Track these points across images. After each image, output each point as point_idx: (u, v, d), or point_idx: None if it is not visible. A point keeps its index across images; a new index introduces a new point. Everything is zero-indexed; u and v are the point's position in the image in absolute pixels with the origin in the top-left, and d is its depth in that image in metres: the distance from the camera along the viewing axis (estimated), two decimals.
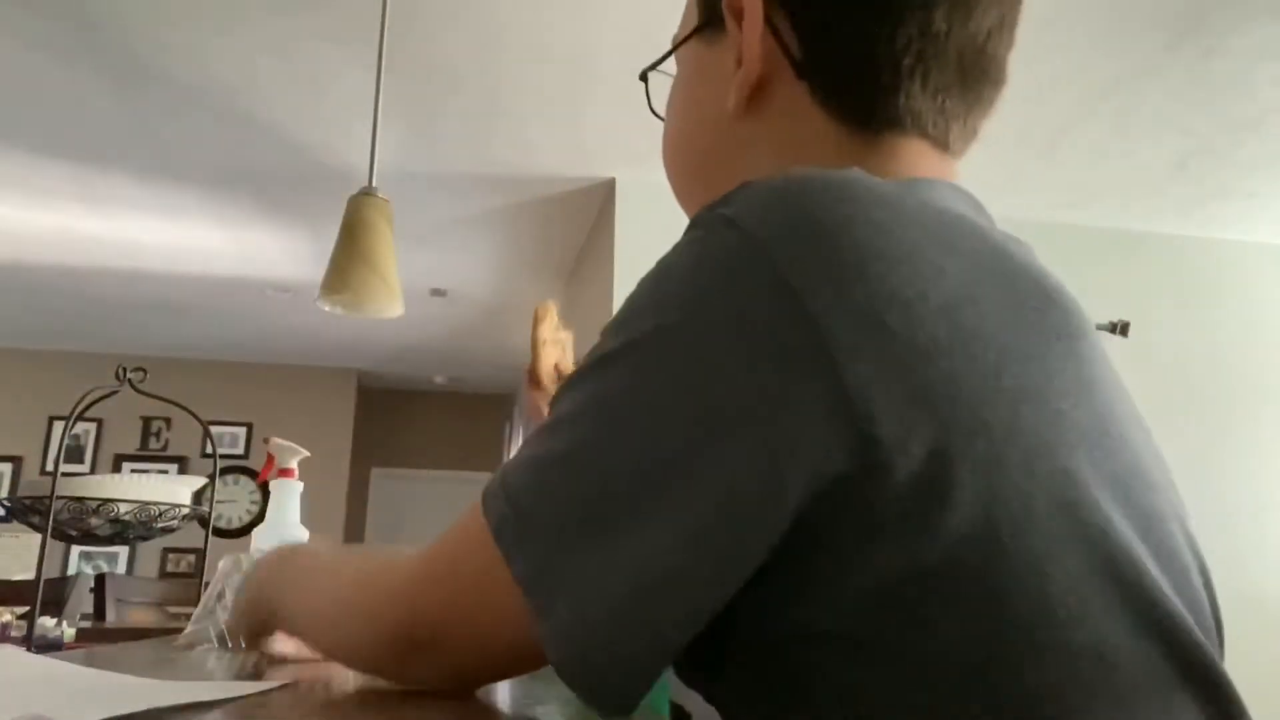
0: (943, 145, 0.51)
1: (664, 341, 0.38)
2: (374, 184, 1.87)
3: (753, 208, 0.39)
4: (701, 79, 0.55)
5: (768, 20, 0.50)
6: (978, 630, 0.35)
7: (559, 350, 0.88)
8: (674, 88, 0.59)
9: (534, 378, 0.84)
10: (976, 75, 0.51)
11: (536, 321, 0.84)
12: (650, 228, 3.47)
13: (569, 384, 0.41)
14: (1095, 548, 0.37)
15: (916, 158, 0.50)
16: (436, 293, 4.80)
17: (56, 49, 2.68)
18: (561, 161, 3.35)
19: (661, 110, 0.61)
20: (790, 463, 0.34)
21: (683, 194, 0.60)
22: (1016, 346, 0.38)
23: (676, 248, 0.42)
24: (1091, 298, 3.74)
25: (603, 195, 3.59)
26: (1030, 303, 0.40)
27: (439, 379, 6.81)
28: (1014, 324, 0.38)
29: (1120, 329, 3.52)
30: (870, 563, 0.35)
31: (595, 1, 2.44)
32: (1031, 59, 2.64)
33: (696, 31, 0.55)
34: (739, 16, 0.51)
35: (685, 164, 0.58)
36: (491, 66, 2.75)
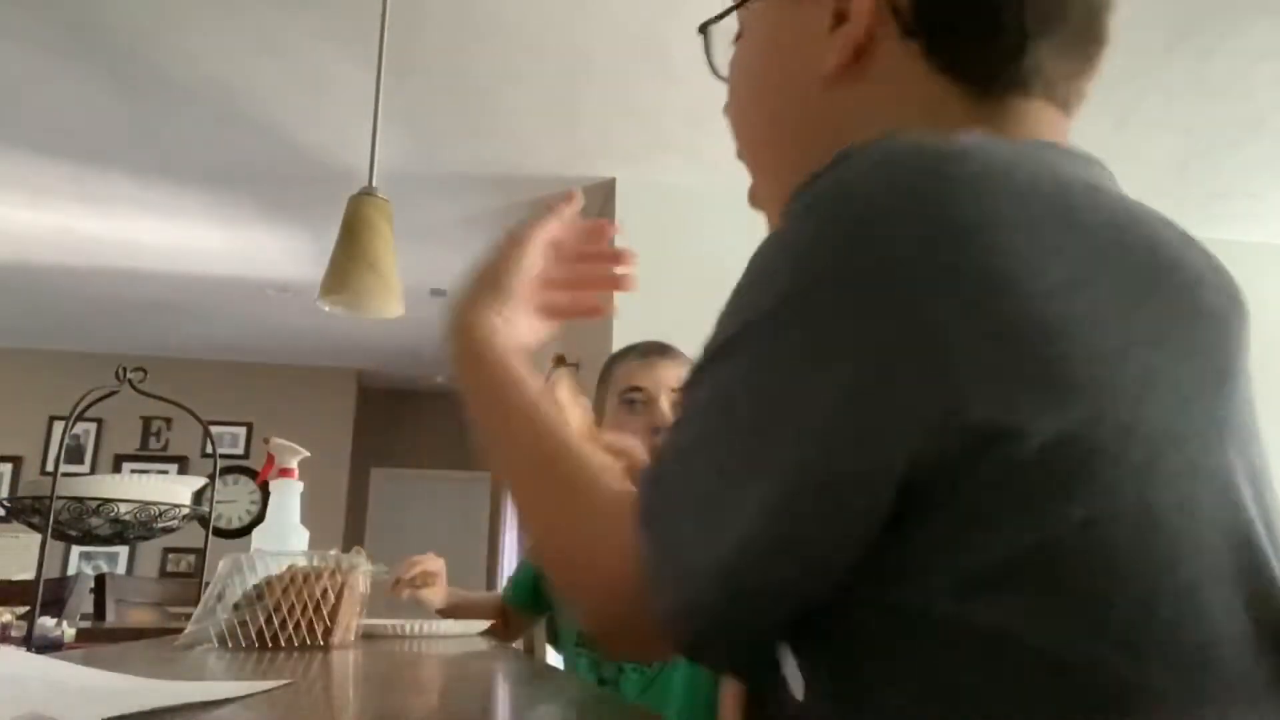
0: (1064, 107, 0.48)
1: (779, 322, 0.37)
2: (374, 184, 1.87)
3: (859, 180, 0.37)
4: (784, 38, 0.51)
5: None
6: (1077, 623, 0.34)
7: (581, 413, 0.86)
8: (744, 47, 0.54)
9: None
10: (1093, 33, 0.48)
11: (553, 385, 0.83)
12: (650, 228, 3.47)
13: (695, 373, 0.42)
14: (1225, 549, 0.35)
15: (1040, 122, 0.47)
16: (436, 293, 4.80)
17: (56, 49, 2.68)
18: (561, 161, 3.35)
19: (723, 70, 0.57)
20: (896, 440, 0.34)
21: (761, 164, 0.55)
22: (1138, 331, 0.36)
23: (784, 224, 0.39)
24: None
25: (603, 195, 3.59)
26: (1154, 282, 0.38)
27: (439, 379, 6.81)
28: (1135, 306, 0.36)
29: None
30: (973, 545, 0.34)
31: (595, 2, 2.44)
32: None
33: None
34: None
35: (766, 133, 0.54)
36: (491, 66, 2.75)
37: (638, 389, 1.41)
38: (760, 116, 0.54)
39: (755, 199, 0.56)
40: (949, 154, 0.37)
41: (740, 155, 0.56)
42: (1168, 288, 0.38)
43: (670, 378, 1.41)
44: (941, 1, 0.46)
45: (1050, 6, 0.46)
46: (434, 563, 1.54)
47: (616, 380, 1.45)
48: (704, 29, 0.56)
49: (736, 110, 0.55)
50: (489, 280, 0.62)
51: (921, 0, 0.46)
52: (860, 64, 0.47)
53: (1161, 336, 0.37)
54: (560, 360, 4.06)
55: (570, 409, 0.84)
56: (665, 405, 1.40)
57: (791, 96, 0.50)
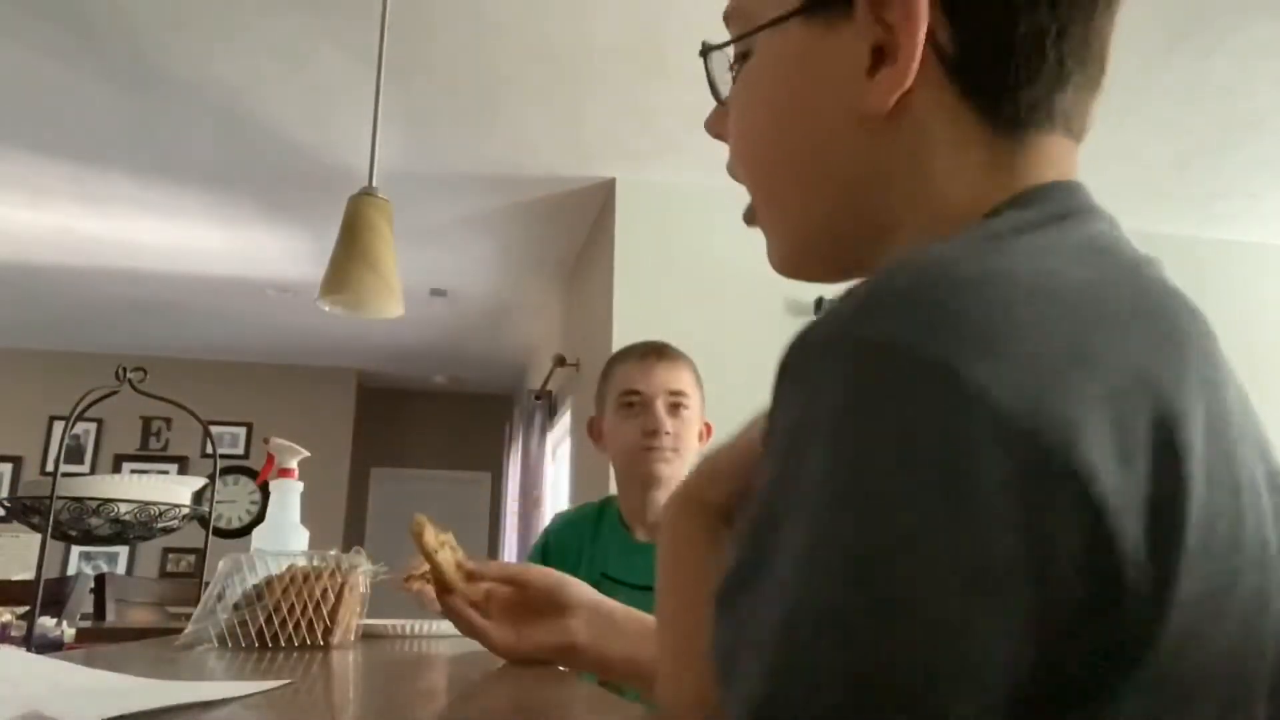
0: (1078, 137, 0.47)
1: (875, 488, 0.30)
2: (374, 184, 1.87)
3: (918, 323, 0.32)
4: (813, 69, 0.47)
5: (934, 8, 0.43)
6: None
7: (451, 550, 0.88)
8: (759, 73, 0.50)
9: (443, 585, 0.84)
10: (1104, 61, 0.47)
11: (417, 536, 0.83)
12: (650, 228, 3.47)
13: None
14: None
15: (1059, 157, 0.45)
16: (436, 293, 4.80)
17: (57, 49, 2.68)
18: (561, 161, 3.35)
19: (724, 92, 0.53)
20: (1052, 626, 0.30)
21: (770, 195, 0.51)
22: (1209, 422, 0.34)
23: (834, 388, 0.32)
24: None
25: (603, 195, 3.59)
26: (1198, 358, 0.36)
27: (439, 379, 6.81)
28: (1199, 395, 0.34)
29: None
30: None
31: (595, 2, 2.44)
32: None
33: (803, 12, 0.46)
34: (885, 3, 0.43)
35: (781, 166, 0.50)
36: (491, 66, 2.75)
37: (635, 392, 1.41)
38: (777, 148, 0.50)
39: (754, 220, 0.54)
40: (1015, 286, 0.33)
41: (737, 176, 0.53)
42: (1210, 362, 0.38)
43: (667, 380, 1.41)
44: (986, 44, 0.43)
45: (1080, 45, 0.45)
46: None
47: (615, 382, 1.46)
48: (706, 53, 0.52)
49: (746, 138, 0.51)
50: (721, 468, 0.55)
51: (967, 43, 0.43)
52: (899, 103, 0.44)
53: (1226, 419, 0.37)
54: (560, 361, 4.13)
55: (441, 550, 0.85)
56: (661, 408, 1.40)
57: (815, 132, 0.47)
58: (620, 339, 3.11)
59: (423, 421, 7.05)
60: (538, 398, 4.88)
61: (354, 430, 6.45)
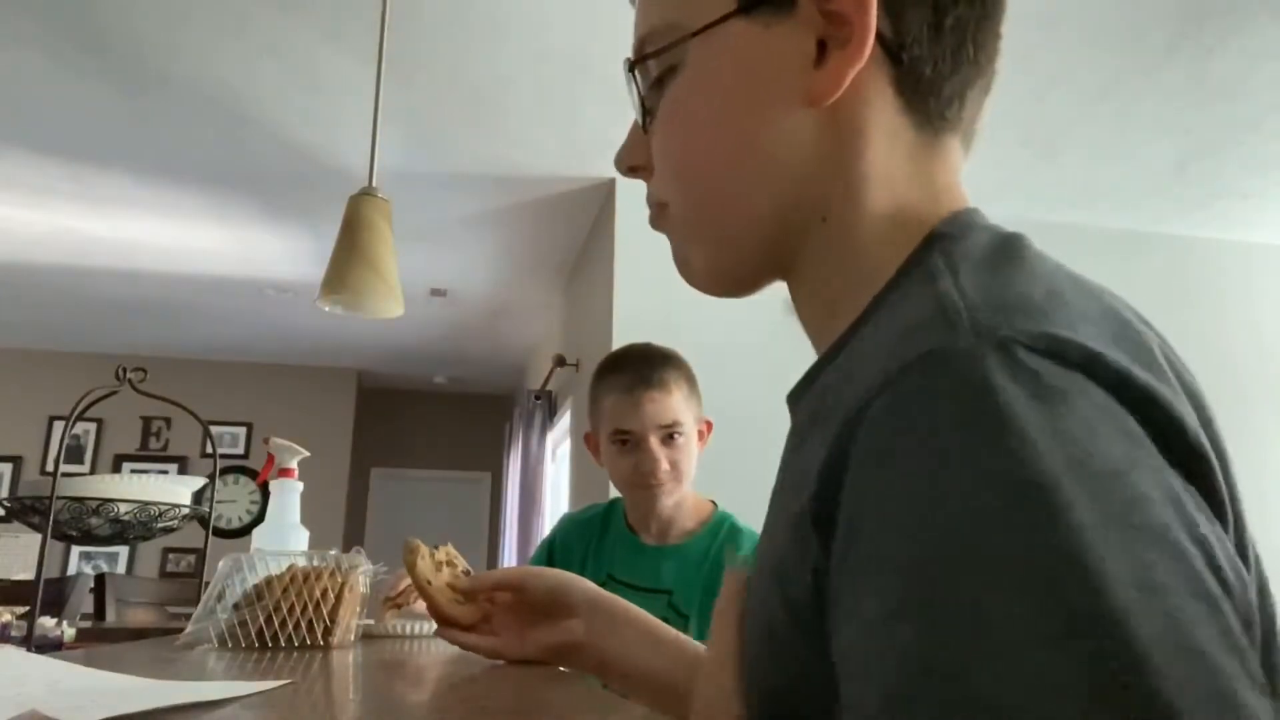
0: (968, 148, 0.48)
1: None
2: (374, 184, 1.87)
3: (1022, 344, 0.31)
4: (751, 69, 0.46)
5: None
6: None
7: (449, 567, 0.86)
8: (689, 87, 0.48)
9: (440, 618, 0.83)
10: (995, 64, 0.48)
11: (410, 566, 0.82)
12: (650, 228, 3.47)
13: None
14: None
15: (958, 165, 0.47)
16: (436, 293, 4.80)
17: (57, 49, 2.68)
18: (561, 161, 3.35)
19: (651, 110, 0.50)
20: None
21: (721, 213, 0.49)
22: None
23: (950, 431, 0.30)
24: None
25: (603, 195, 3.59)
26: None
27: (439, 379, 6.81)
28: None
29: None
30: None
31: (594, 2, 2.44)
32: (1031, 59, 2.64)
33: (744, 11, 0.45)
34: None
35: (731, 177, 0.47)
36: (491, 67, 2.75)
37: (625, 432, 1.36)
38: (718, 153, 0.48)
39: (663, 225, 0.52)
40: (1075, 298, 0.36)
41: (664, 196, 0.51)
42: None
43: (657, 415, 1.34)
44: (922, 32, 0.44)
45: (990, 40, 0.46)
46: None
47: (605, 416, 1.39)
48: (633, 67, 0.50)
49: (684, 149, 0.49)
50: None
51: (905, 30, 0.44)
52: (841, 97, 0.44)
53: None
54: (560, 361, 4.13)
55: (437, 579, 0.84)
56: (654, 445, 1.35)
57: (759, 129, 0.46)
58: (620, 339, 3.11)
59: (423, 421, 7.05)
60: (538, 398, 4.88)
61: (354, 430, 6.45)
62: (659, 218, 0.53)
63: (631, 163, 0.54)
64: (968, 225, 0.43)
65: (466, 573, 0.89)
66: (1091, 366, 0.31)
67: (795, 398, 0.47)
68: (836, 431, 0.33)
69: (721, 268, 0.51)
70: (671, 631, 0.79)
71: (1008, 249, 0.40)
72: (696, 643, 0.76)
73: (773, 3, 0.45)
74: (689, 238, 0.51)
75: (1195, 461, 0.32)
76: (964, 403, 0.30)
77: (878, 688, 0.28)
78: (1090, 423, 0.29)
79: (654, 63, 0.49)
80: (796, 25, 0.45)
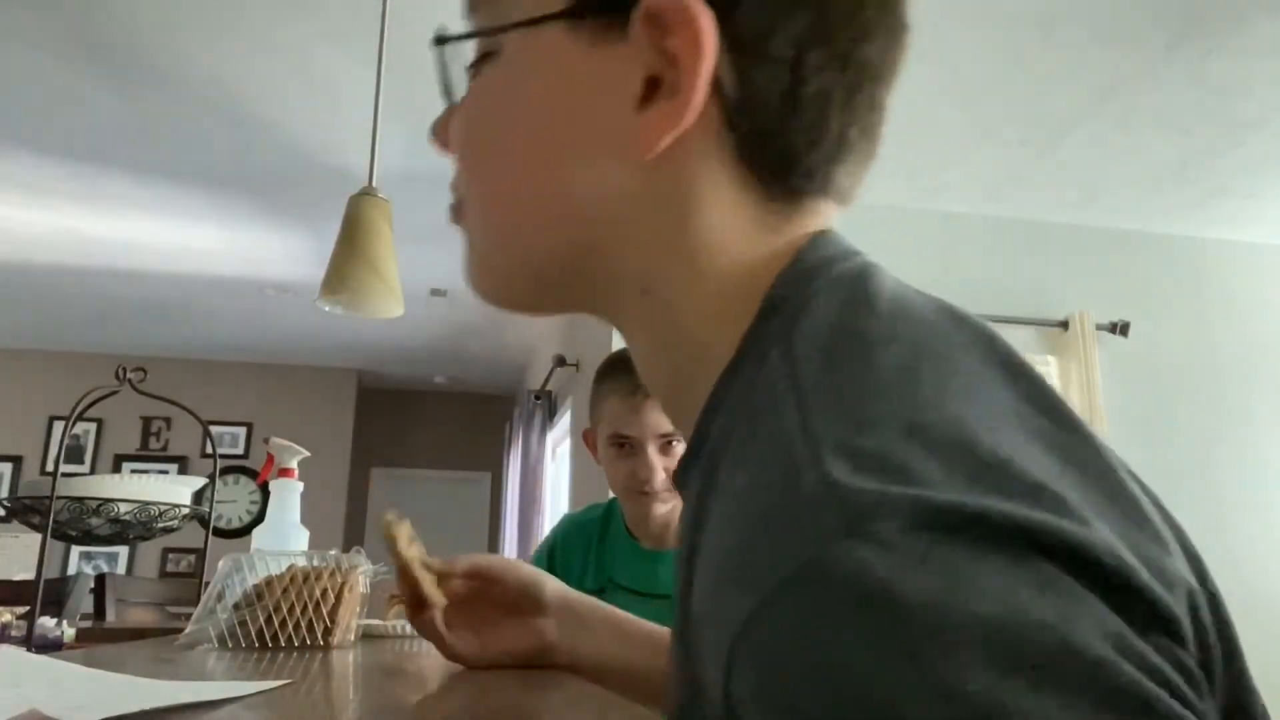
0: (844, 201, 0.43)
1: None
2: (374, 184, 1.87)
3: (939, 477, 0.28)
4: (569, 87, 0.40)
5: (725, 39, 0.37)
6: None
7: (419, 549, 0.81)
8: (500, 82, 0.42)
9: (417, 601, 0.76)
10: (879, 133, 0.42)
11: (391, 541, 0.75)
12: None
13: None
14: None
15: (821, 217, 0.42)
16: (436, 293, 4.80)
17: (57, 49, 2.68)
18: None
19: (459, 92, 0.45)
20: None
21: (508, 229, 0.43)
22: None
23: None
24: (1091, 298, 3.73)
25: None
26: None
27: (439, 379, 6.81)
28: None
29: (1120, 329, 3.52)
30: None
31: None
32: (1032, 58, 2.64)
33: (568, 17, 0.39)
34: (668, 25, 0.37)
35: (525, 195, 0.42)
36: None
37: (624, 437, 1.36)
38: (515, 166, 0.42)
39: (462, 221, 0.46)
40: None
41: (459, 187, 0.46)
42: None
43: (657, 423, 1.33)
44: (773, 98, 0.38)
45: (865, 112, 0.40)
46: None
47: (605, 419, 1.39)
48: (442, 43, 0.44)
49: (480, 147, 0.44)
50: None
51: (752, 93, 0.38)
52: (676, 139, 0.39)
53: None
54: (560, 361, 4.14)
55: (417, 557, 0.79)
56: (652, 453, 1.33)
57: (565, 158, 0.40)
58: (620, 339, 3.10)
59: (423, 421, 7.05)
60: (538, 398, 4.88)
61: (354, 430, 6.45)
62: (456, 213, 0.46)
63: (440, 140, 0.47)
64: (804, 283, 0.38)
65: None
66: (989, 526, 0.26)
67: (682, 484, 0.43)
68: (725, 649, 0.28)
69: (498, 287, 0.45)
70: (638, 622, 0.78)
71: (854, 326, 0.35)
72: (664, 629, 0.76)
73: (601, 16, 0.38)
74: (476, 237, 0.45)
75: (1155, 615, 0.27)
76: (867, 627, 0.25)
77: None
78: (1008, 598, 0.25)
79: (470, 44, 0.43)
80: (626, 53, 0.38)
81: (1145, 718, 0.24)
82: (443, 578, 0.79)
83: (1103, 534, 0.28)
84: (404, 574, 0.77)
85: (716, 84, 0.37)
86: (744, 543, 0.29)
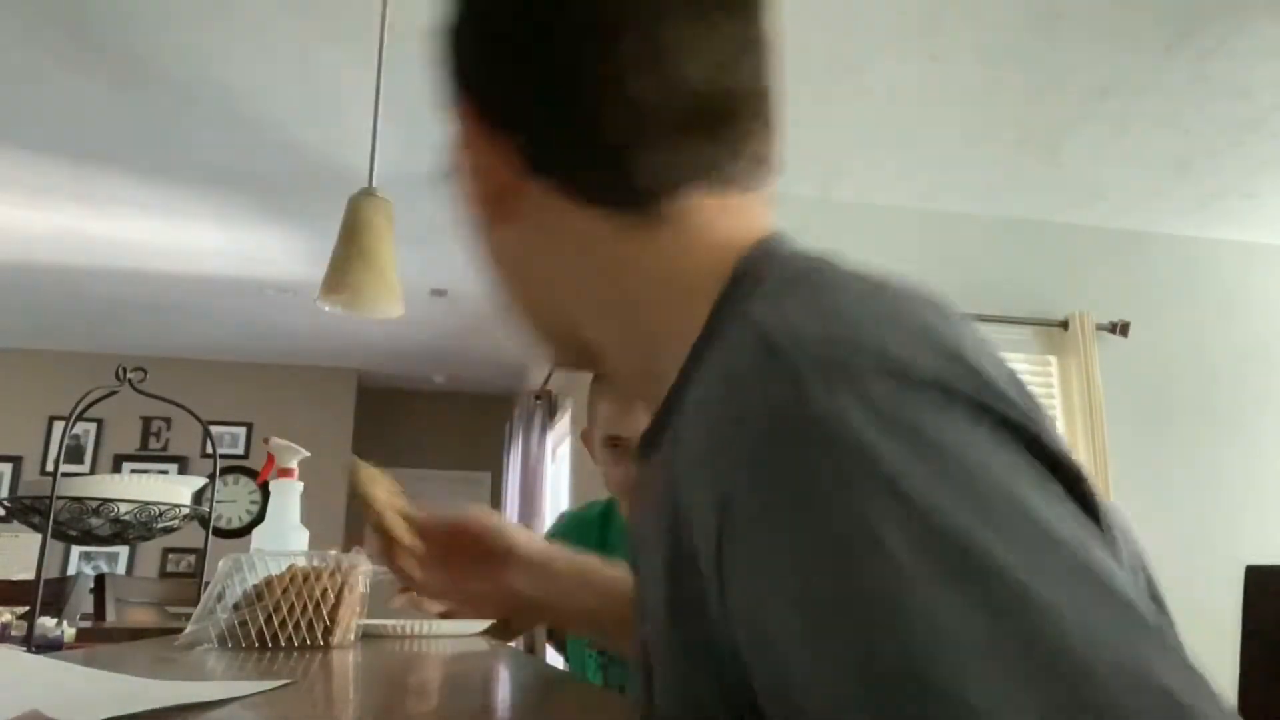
0: (730, 186, 0.45)
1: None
2: (374, 184, 1.87)
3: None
4: (463, 167, 0.50)
5: (489, 120, 0.45)
6: None
7: (396, 497, 0.81)
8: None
9: (389, 542, 0.78)
10: (717, 120, 0.44)
11: (364, 489, 0.78)
12: None
13: None
14: None
15: (706, 213, 0.44)
16: (436, 293, 4.80)
17: (57, 49, 2.68)
18: None
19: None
20: None
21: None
22: None
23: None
24: (1091, 298, 3.72)
25: None
26: None
27: (439, 379, 6.81)
28: None
29: (1120, 329, 3.52)
30: None
31: None
32: (1032, 59, 2.64)
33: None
34: (462, 121, 0.46)
35: (506, 302, 0.53)
36: None
37: (619, 438, 1.34)
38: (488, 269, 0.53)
39: None
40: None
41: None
42: None
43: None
44: (551, 140, 0.44)
45: (636, 118, 0.43)
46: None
47: (599, 419, 1.37)
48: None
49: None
50: None
51: (533, 143, 0.45)
52: (513, 210, 0.46)
53: None
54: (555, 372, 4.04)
55: (391, 504, 0.81)
56: None
57: (484, 245, 0.50)
58: None
59: (423, 421, 7.05)
60: (538, 398, 4.88)
61: (354, 430, 6.45)
62: None
63: None
64: (766, 257, 0.42)
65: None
66: (945, 383, 0.31)
67: (644, 456, 0.47)
68: (722, 490, 0.32)
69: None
70: (603, 569, 0.80)
71: (809, 268, 0.40)
72: (628, 576, 0.77)
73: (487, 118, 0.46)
74: None
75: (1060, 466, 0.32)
76: (841, 469, 0.29)
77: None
78: (963, 447, 0.30)
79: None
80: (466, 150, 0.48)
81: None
82: (423, 529, 0.81)
83: (1047, 428, 0.32)
84: (380, 521, 0.79)
85: (519, 148, 0.45)
86: (729, 396, 0.34)
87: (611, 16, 0.43)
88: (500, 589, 0.79)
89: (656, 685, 0.44)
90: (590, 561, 0.81)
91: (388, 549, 0.80)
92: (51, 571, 4.46)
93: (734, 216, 0.45)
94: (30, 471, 5.78)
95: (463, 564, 0.81)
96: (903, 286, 0.38)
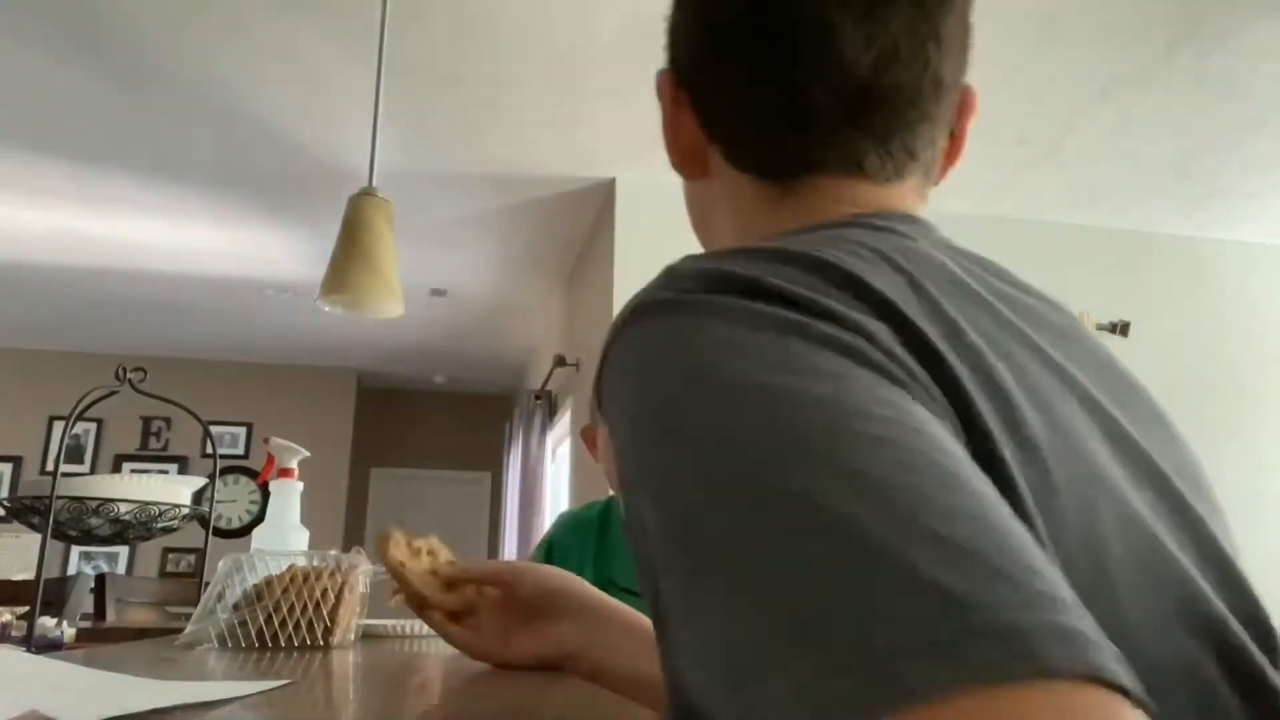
0: (867, 175, 0.50)
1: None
2: (374, 184, 1.87)
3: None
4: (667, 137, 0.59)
5: (682, 91, 0.54)
6: None
7: (431, 557, 0.81)
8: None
9: (414, 601, 0.80)
10: (872, 108, 0.49)
11: (382, 551, 0.79)
12: (650, 227, 3.47)
13: None
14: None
15: (840, 193, 0.50)
16: (436, 293, 4.80)
17: (57, 49, 2.68)
18: (561, 161, 3.34)
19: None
20: None
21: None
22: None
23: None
24: (1091, 298, 3.72)
25: (603, 195, 3.59)
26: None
27: (439, 379, 6.81)
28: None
29: (1120, 329, 3.52)
30: None
31: (595, 2, 2.44)
32: (1032, 59, 2.64)
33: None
34: (660, 94, 0.55)
35: (696, 234, 0.62)
36: (491, 66, 2.75)
37: None
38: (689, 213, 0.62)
39: None
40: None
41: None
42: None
43: None
44: (711, 108, 0.53)
45: (793, 100, 0.49)
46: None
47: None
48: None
49: None
50: None
51: (707, 114, 0.53)
52: (700, 167, 0.55)
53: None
54: (560, 361, 4.12)
55: (412, 563, 0.81)
56: None
57: (685, 189, 0.59)
58: None
59: (423, 421, 7.05)
60: (538, 398, 4.88)
61: (354, 430, 6.45)
62: None
63: None
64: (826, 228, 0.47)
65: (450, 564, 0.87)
66: (753, 287, 0.36)
67: None
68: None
69: None
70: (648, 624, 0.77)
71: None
72: None
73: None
74: None
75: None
76: (665, 346, 0.35)
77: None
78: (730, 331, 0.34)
79: None
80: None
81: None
82: (454, 585, 0.80)
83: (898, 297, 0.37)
84: (395, 576, 0.80)
85: (699, 118, 0.54)
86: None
87: (798, 18, 0.48)
88: (555, 648, 0.76)
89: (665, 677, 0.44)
90: (649, 621, 0.79)
91: (418, 608, 0.80)
92: (51, 571, 4.46)
93: (863, 201, 0.50)
94: (30, 471, 5.78)
95: (518, 618, 0.79)
96: (809, 256, 0.40)
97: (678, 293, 0.37)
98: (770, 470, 0.28)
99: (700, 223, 0.60)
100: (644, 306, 0.37)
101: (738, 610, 0.26)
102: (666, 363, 0.34)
